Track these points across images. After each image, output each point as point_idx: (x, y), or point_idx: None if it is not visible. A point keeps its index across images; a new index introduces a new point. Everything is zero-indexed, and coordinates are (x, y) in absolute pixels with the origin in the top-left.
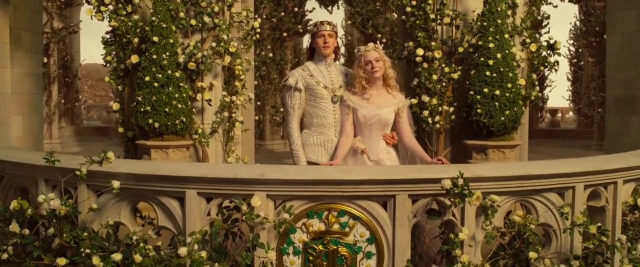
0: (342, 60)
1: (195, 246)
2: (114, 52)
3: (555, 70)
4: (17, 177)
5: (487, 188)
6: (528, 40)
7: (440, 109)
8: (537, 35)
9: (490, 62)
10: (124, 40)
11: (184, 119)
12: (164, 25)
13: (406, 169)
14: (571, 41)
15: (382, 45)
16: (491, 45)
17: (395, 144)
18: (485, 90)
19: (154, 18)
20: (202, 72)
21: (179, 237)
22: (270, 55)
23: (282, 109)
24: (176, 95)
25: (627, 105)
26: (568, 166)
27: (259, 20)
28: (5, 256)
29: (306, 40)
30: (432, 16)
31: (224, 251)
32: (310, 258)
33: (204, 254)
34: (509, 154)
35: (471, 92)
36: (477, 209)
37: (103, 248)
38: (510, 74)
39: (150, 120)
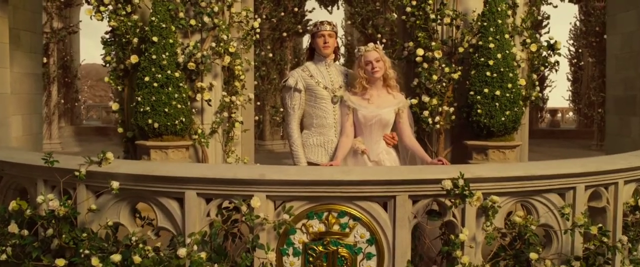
0: (342, 60)
1: (195, 247)
2: (113, 52)
3: (556, 71)
4: (16, 177)
5: (488, 189)
6: (528, 41)
7: (440, 109)
8: (537, 36)
9: (491, 62)
10: (124, 40)
11: (184, 120)
12: (164, 26)
13: (406, 170)
14: (571, 41)
15: (382, 45)
16: (491, 45)
17: (396, 144)
18: (486, 90)
19: (153, 18)
20: (201, 73)
21: (178, 238)
22: (270, 55)
23: (282, 110)
24: (176, 95)
25: (627, 106)
26: (569, 167)
27: (259, 20)
28: (4, 256)
29: (306, 41)
30: (432, 16)
31: (224, 252)
32: (310, 259)
33: (203, 255)
34: (509, 154)
35: (471, 93)
36: (478, 209)
37: (102, 249)
38: (511, 74)
39: (150, 121)
